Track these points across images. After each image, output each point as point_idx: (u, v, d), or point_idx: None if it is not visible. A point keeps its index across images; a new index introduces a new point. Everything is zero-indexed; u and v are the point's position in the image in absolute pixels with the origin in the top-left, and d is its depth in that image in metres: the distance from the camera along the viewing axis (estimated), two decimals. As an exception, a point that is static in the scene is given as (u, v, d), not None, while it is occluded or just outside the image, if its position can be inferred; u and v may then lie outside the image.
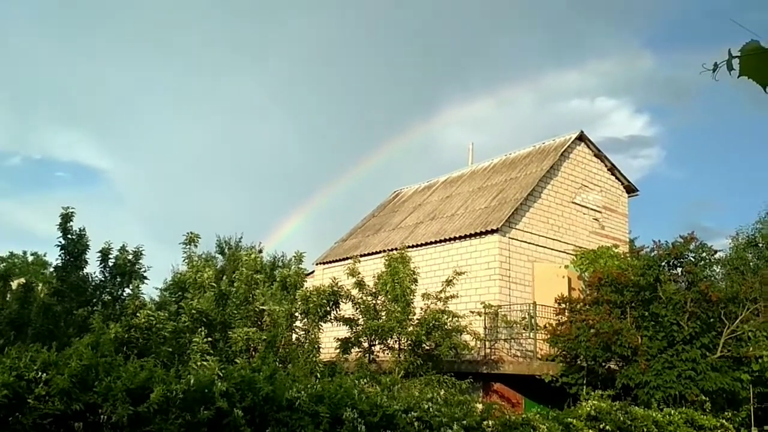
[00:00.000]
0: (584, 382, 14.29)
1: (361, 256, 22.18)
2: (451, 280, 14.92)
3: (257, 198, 70.16)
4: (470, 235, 19.08)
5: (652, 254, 13.42)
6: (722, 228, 77.91)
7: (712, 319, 12.69)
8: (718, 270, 13.05)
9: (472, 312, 16.50)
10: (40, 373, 5.82)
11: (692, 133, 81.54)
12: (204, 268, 12.93)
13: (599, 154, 22.41)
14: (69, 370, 5.89)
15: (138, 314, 10.30)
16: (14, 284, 14.66)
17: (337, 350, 14.92)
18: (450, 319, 14.24)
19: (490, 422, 8.97)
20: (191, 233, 13.08)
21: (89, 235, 12.53)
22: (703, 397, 11.85)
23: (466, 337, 15.05)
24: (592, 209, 21.72)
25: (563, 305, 15.13)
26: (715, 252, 14.21)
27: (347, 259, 23.90)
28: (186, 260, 13.15)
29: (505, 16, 75.42)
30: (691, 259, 13.14)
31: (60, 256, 12.17)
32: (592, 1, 78.22)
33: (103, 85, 71.49)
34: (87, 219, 21.12)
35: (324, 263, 25.06)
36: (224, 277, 14.88)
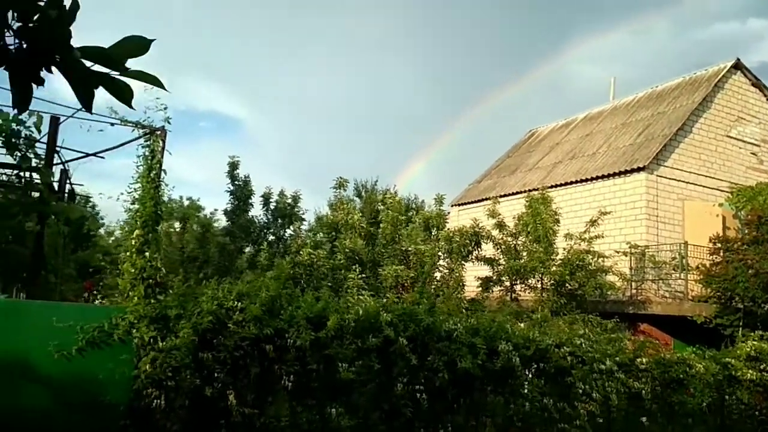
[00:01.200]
0: (740, 323, 13.69)
1: (498, 197, 22.23)
2: (595, 221, 14.68)
3: (386, 143, 71.34)
4: (614, 174, 18.46)
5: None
6: None
7: None
8: None
9: (617, 252, 16.15)
10: (236, 303, 6.68)
11: None
12: (354, 210, 13.72)
13: (757, 83, 20.53)
14: (260, 300, 6.71)
15: (301, 252, 11.24)
16: (176, 225, 16.35)
17: (479, 288, 15.31)
18: (595, 259, 14.09)
19: (644, 359, 9.00)
20: (341, 178, 13.87)
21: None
22: None
23: (611, 277, 14.85)
24: (749, 143, 20.11)
25: (719, 245, 14.39)
26: None
27: (483, 200, 24.04)
28: (336, 203, 14.00)
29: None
30: None
31: (229, 201, 13.44)
32: None
33: (237, 36, 74.90)
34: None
35: (459, 205, 25.34)
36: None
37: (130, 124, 6.70)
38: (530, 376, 8.08)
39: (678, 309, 15.79)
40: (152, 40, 2.01)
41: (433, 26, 72.30)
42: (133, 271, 6.59)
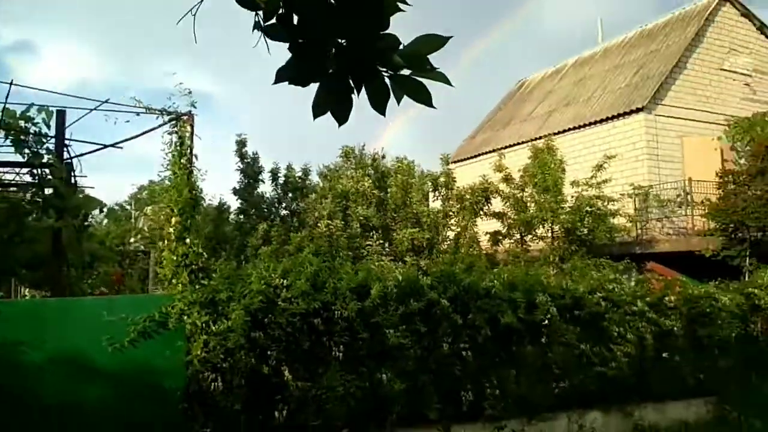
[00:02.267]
0: (747, 254, 13.98)
1: (494, 150, 22.22)
2: (602, 165, 14.78)
3: (363, 103, 70.53)
4: (612, 117, 18.53)
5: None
6: None
7: None
8: None
9: (622, 195, 16.32)
10: (282, 280, 6.72)
11: None
12: (363, 178, 13.71)
13: (747, 14, 20.50)
14: (305, 275, 6.76)
15: (319, 224, 11.26)
16: (148, 210, 16.17)
17: (488, 243, 15.47)
18: (605, 203, 14.25)
19: (672, 297, 9.21)
20: (346, 147, 13.79)
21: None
22: None
23: (619, 219, 15.04)
24: (742, 74, 20.18)
25: (725, 178, 14.57)
26: None
27: (480, 155, 24.13)
28: (342, 172, 13.98)
29: None
30: None
31: (240, 179, 13.37)
32: None
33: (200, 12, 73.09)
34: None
35: (455, 162, 25.34)
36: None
37: (156, 112, 6.61)
38: (566, 324, 8.23)
39: (686, 244, 16.04)
40: (449, 38, 2.00)
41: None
42: (174, 258, 6.59)
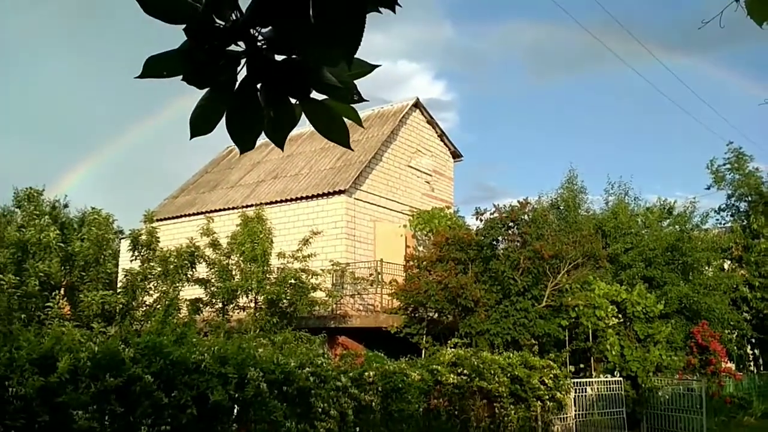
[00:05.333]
0: (425, 332, 15.64)
1: (200, 213, 21.54)
2: (308, 240, 15.25)
3: (40, 148, 63.11)
4: (318, 195, 19.48)
5: (493, 216, 14.98)
6: (506, 188, 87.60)
7: (540, 274, 14.58)
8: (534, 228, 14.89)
9: (323, 270, 17.02)
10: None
11: (483, 100, 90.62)
12: (49, 228, 11.85)
13: (431, 121, 23.89)
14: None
15: (-15, 279, 9.27)
16: None
17: (188, 310, 14.59)
18: (309, 277, 14.63)
19: (371, 373, 9.64)
20: (31, 188, 11.85)
21: None
22: (533, 341, 13.68)
23: (320, 293, 15.56)
24: (424, 173, 23.20)
25: (411, 262, 16.24)
26: (546, 215, 16.22)
27: (182, 216, 23.13)
28: (25, 219, 11.93)
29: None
30: (526, 220, 14.91)
31: None
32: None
33: None
34: None
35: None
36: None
37: None
38: (275, 401, 7.97)
39: (375, 321, 17.31)
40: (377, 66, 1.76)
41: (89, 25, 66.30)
42: None
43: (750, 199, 29.63)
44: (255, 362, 7.81)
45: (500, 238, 14.56)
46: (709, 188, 30.36)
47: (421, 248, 20.17)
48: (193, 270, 13.76)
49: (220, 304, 14.83)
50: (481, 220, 15.45)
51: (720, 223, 30.32)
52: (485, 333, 13.95)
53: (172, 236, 22.42)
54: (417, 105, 23.16)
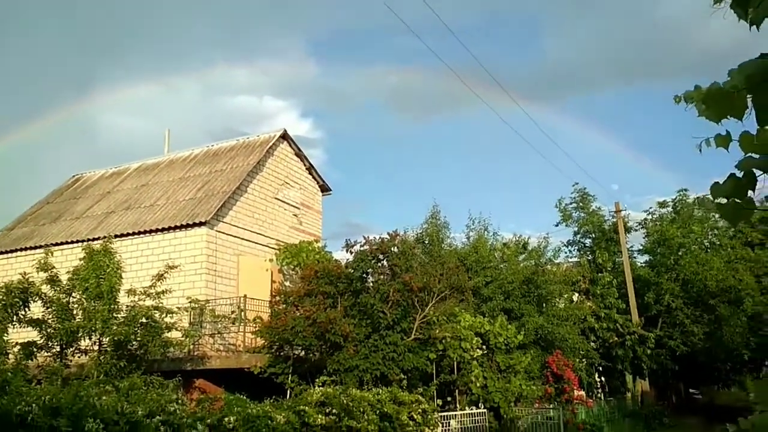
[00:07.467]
0: (290, 371, 14.87)
1: (38, 247, 19.36)
2: (162, 275, 14.04)
3: None
4: (175, 227, 18.18)
5: (363, 248, 14.67)
6: (371, 225, 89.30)
7: (409, 306, 14.42)
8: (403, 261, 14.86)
9: (179, 308, 15.76)
10: None
11: (350, 138, 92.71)
12: None
13: (299, 154, 23.43)
14: None
15: None
16: None
17: (18, 355, 12.80)
18: (163, 316, 13.40)
19: (232, 418, 8.81)
20: None
21: None
22: (402, 375, 13.40)
23: (175, 333, 14.33)
24: (292, 205, 22.58)
25: (278, 297, 15.48)
26: (414, 248, 16.20)
27: (17, 250, 20.74)
28: None
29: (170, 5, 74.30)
30: (396, 252, 14.75)
31: None
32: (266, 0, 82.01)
33: None
34: None
35: (-17, 255, 21.13)
36: None
37: None
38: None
39: (237, 361, 16.23)
40: None
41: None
42: None
43: (594, 236, 32.09)
44: (95, 412, 6.76)
45: (370, 270, 14.25)
46: (557, 225, 32.54)
47: (288, 283, 19.42)
48: (26, 309, 12.09)
49: (58, 348, 13.18)
50: (351, 252, 15.10)
51: (569, 257, 32.49)
52: (354, 369, 13.47)
53: (5, 272, 19.98)
54: (285, 137, 22.61)
